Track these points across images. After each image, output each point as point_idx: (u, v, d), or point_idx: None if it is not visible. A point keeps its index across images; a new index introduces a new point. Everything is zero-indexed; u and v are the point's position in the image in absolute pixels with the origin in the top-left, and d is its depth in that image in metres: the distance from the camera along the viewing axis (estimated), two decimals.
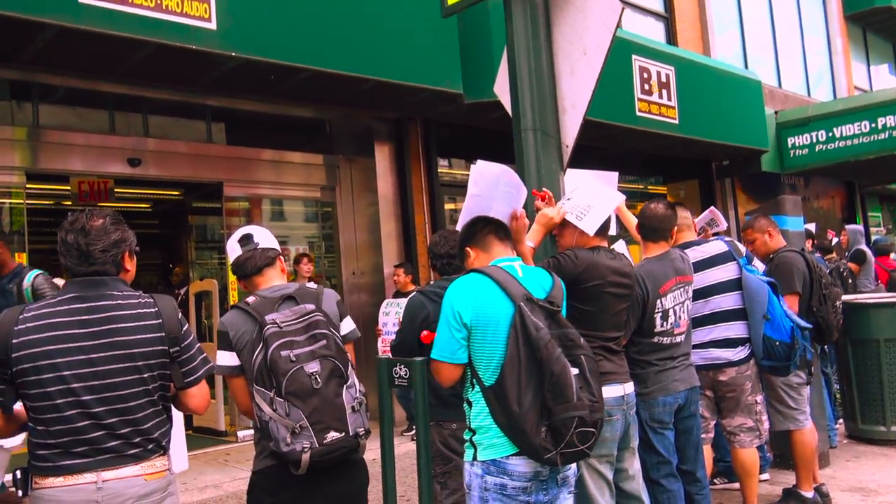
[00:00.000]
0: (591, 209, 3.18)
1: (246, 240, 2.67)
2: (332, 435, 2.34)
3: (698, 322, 3.97)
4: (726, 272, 4.06)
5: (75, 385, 2.05)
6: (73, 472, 2.05)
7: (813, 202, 12.49)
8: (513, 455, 2.38)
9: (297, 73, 5.48)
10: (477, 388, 2.45)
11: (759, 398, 4.05)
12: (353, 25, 5.61)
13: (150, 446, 2.15)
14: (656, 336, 3.52)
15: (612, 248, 3.31)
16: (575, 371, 2.36)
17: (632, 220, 4.09)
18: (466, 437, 2.51)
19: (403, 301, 4.23)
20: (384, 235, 7.27)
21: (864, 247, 8.14)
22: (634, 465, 3.24)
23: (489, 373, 2.40)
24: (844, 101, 10.91)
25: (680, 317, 3.62)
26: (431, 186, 7.47)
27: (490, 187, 3.08)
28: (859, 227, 10.01)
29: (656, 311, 3.51)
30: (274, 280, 2.63)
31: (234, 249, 2.69)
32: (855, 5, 13.70)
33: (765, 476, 4.89)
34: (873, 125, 9.81)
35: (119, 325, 2.12)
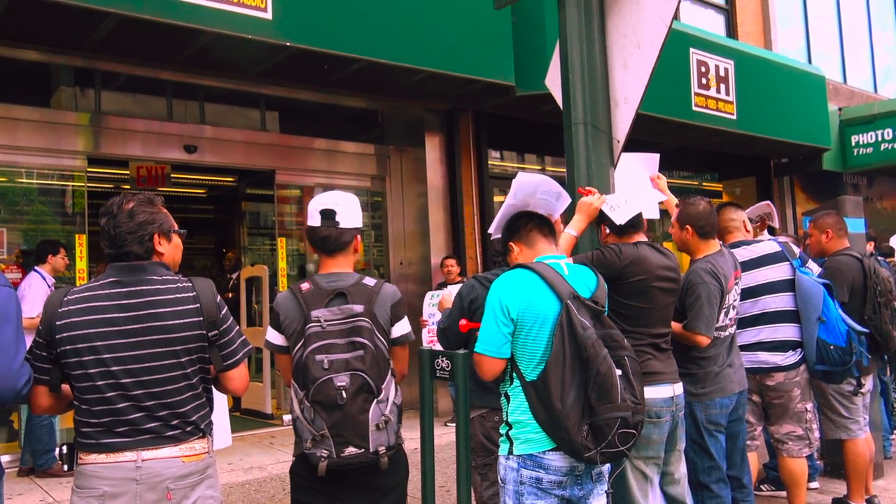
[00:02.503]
0: (626, 202, 3.16)
1: (327, 215, 2.56)
2: (351, 450, 2.34)
3: (746, 323, 3.87)
4: (777, 272, 3.94)
5: (115, 368, 2.10)
6: (114, 450, 2.10)
7: (876, 203, 12.06)
8: (550, 450, 2.37)
9: (351, 63, 5.52)
10: (516, 382, 2.44)
11: (810, 406, 3.91)
12: (406, 16, 5.62)
13: (189, 429, 2.18)
14: (717, 330, 3.46)
15: (656, 242, 3.25)
16: (619, 372, 2.34)
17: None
18: (502, 430, 2.50)
19: (447, 291, 4.21)
20: (432, 226, 7.29)
21: None
22: (680, 469, 3.18)
23: (531, 368, 2.39)
24: None
25: (733, 314, 3.57)
26: (481, 178, 7.45)
27: (527, 195, 3.04)
28: None
29: (724, 306, 3.46)
30: (340, 266, 2.55)
31: (313, 217, 2.58)
32: None
33: (814, 484, 4.75)
34: None
35: (158, 310, 2.15)
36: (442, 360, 2.78)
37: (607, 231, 3.22)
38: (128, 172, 8.08)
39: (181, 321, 2.17)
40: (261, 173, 8.08)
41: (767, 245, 4.04)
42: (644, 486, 3.00)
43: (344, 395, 2.34)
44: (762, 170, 10.24)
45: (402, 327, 2.58)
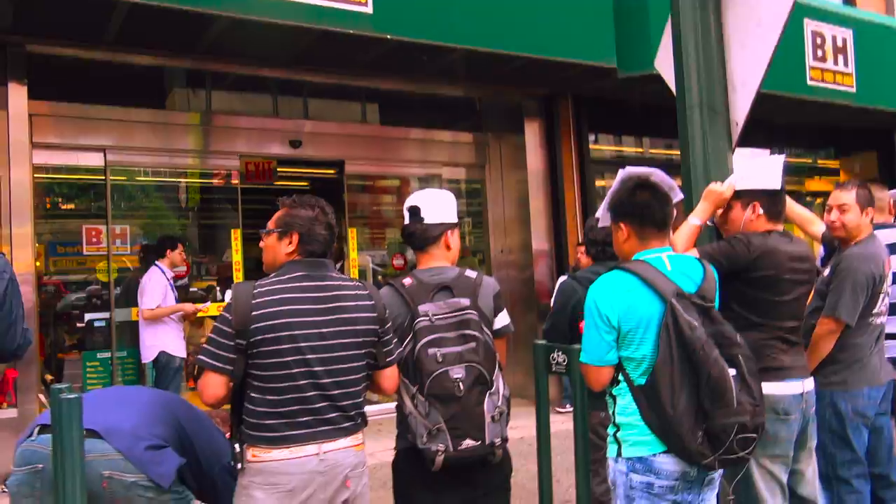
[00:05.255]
0: (756, 173, 3.00)
1: (413, 212, 2.62)
2: (469, 442, 2.35)
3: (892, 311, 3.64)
4: None
5: (310, 356, 2.19)
6: (298, 442, 2.17)
7: None
8: (661, 453, 2.26)
9: (449, 52, 5.49)
10: (623, 385, 2.34)
11: None
12: (503, 3, 5.54)
13: (360, 420, 2.31)
14: (872, 317, 3.28)
15: (787, 231, 3.08)
16: (732, 372, 2.21)
17: (805, 216, 3.69)
18: (610, 431, 2.39)
19: None
20: (533, 212, 7.21)
21: None
22: (811, 468, 3.02)
23: (639, 373, 2.28)
24: None
25: (888, 300, 3.37)
26: (582, 163, 7.30)
27: None
28: None
29: (882, 290, 3.27)
30: (437, 260, 2.58)
31: (404, 215, 2.67)
32: None
33: None
34: None
35: (345, 304, 2.27)
36: (558, 355, 2.74)
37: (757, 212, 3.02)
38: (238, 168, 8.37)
39: (362, 315, 2.29)
40: (361, 164, 8.21)
41: None
42: (772, 484, 2.86)
43: (461, 386, 2.36)
44: (885, 143, 9.60)
45: (503, 318, 2.62)
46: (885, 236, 3.62)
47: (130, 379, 6.00)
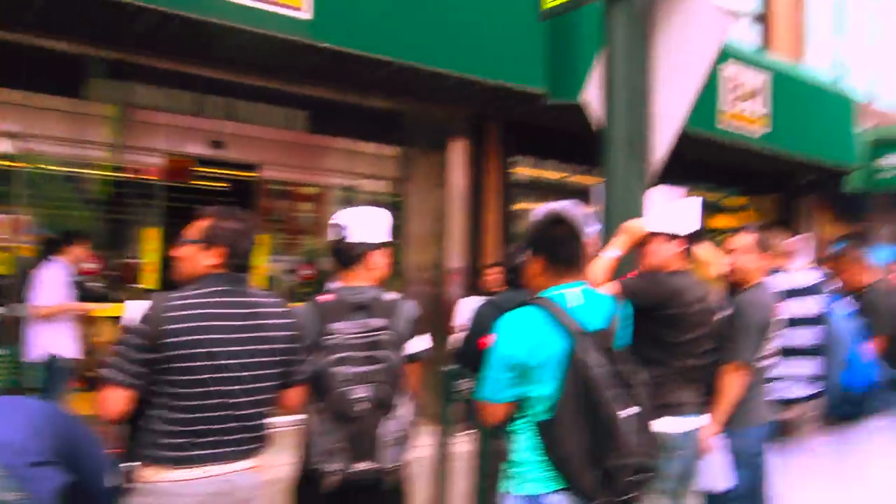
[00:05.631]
0: (675, 216, 3.13)
1: (335, 230, 2.63)
2: (364, 465, 2.36)
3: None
4: (809, 306, 3.91)
5: (227, 374, 2.12)
6: (202, 463, 2.11)
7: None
8: (554, 492, 2.25)
9: (385, 65, 5.48)
10: (523, 421, 2.34)
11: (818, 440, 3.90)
12: (441, 21, 5.58)
13: (264, 441, 2.27)
14: (759, 360, 3.43)
15: (688, 271, 3.22)
16: (631, 411, 2.24)
17: (707, 257, 3.81)
18: (504, 466, 2.39)
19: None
20: (452, 231, 7.25)
21: None
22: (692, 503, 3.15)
23: (540, 410, 2.28)
24: None
25: (773, 344, 3.55)
26: (505, 185, 7.41)
27: None
28: None
29: (768, 335, 3.44)
30: (358, 279, 2.59)
31: (328, 230, 2.69)
32: None
33: None
34: None
35: (264, 321, 2.22)
36: (464, 382, 2.77)
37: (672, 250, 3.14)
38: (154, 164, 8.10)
39: (280, 333, 2.25)
40: (283, 170, 8.09)
41: (805, 276, 4.01)
42: None
43: (362, 407, 2.34)
44: (787, 187, 10.15)
45: (420, 342, 2.62)
46: (781, 282, 3.83)
47: (13, 379, 5.68)
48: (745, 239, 3.56)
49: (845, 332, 3.88)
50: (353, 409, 2.34)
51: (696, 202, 3.29)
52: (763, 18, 10.03)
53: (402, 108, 7.49)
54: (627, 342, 2.50)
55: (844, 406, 3.89)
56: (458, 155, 7.29)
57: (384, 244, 2.66)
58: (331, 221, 2.66)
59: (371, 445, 2.37)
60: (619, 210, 3.32)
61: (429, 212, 7.58)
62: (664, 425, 2.91)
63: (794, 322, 3.84)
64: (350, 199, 8.28)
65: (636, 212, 3.26)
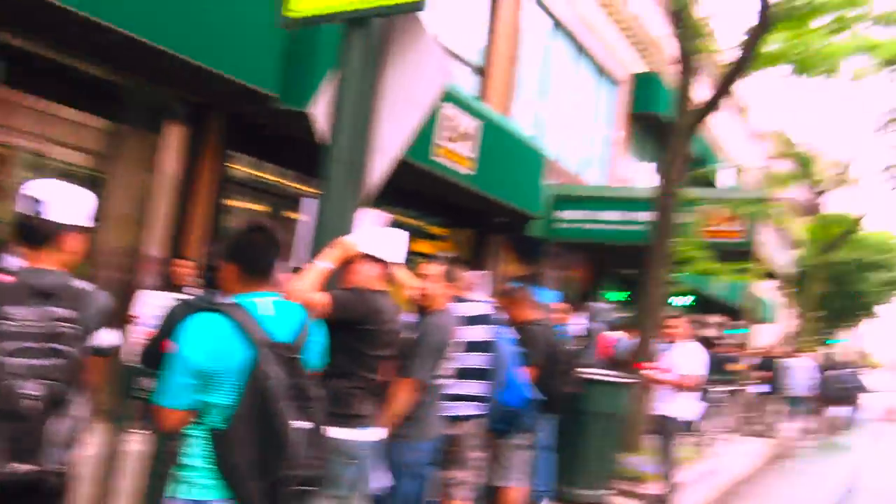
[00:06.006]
0: (384, 244, 3.33)
1: (28, 202, 2.33)
2: (25, 466, 2.16)
3: (453, 374, 4.22)
4: (483, 333, 4.36)
5: None
6: None
7: (567, 273, 13.73)
8: (219, 500, 2.25)
9: (104, 31, 5.05)
10: (199, 427, 2.31)
11: (480, 454, 4.36)
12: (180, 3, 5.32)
13: None
14: (435, 380, 3.71)
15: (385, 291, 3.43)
16: (304, 425, 2.28)
17: (403, 280, 4.02)
18: (174, 470, 2.34)
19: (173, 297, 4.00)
20: (156, 219, 6.85)
21: (594, 324, 9.08)
22: None
23: (216, 419, 2.27)
24: (610, 190, 12.21)
25: (448, 365, 3.87)
26: (220, 180, 7.19)
27: None
28: (603, 305, 11.18)
29: (445, 356, 3.72)
30: (46, 261, 2.33)
31: (19, 201, 2.37)
32: (637, 105, 15.41)
33: None
34: (630, 216, 11.07)
35: None
36: (145, 380, 2.65)
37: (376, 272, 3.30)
38: None
39: None
40: None
41: (480, 306, 4.45)
42: None
43: (31, 403, 2.15)
44: (483, 225, 11.16)
45: (107, 336, 2.45)
46: (464, 309, 4.24)
47: None
48: (436, 268, 3.89)
49: (507, 356, 4.39)
50: (19, 405, 2.12)
51: (403, 235, 3.53)
52: (482, 71, 10.99)
53: (120, 81, 6.93)
54: (322, 353, 2.60)
55: (501, 423, 4.38)
56: (173, 140, 6.93)
57: (84, 229, 2.44)
58: (22, 191, 2.36)
59: (36, 446, 2.15)
60: (331, 225, 3.43)
61: (133, 194, 7.07)
62: (345, 434, 3.05)
63: (469, 346, 4.27)
64: (38, 165, 7.41)
65: (346, 229, 3.40)
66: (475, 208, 10.51)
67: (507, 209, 10.22)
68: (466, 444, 4.23)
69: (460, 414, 4.20)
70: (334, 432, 2.98)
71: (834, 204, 23.27)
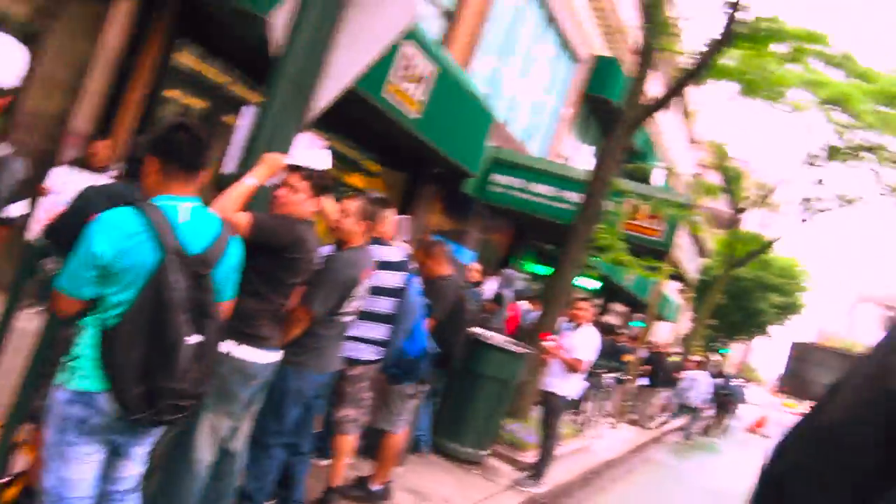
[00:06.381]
0: (306, 158, 3.30)
1: None
2: None
3: (358, 316, 4.24)
4: (393, 279, 4.39)
5: None
6: None
7: (489, 235, 13.90)
8: (104, 392, 2.26)
9: None
10: (93, 319, 2.30)
11: (370, 395, 4.45)
12: None
13: None
14: (340, 315, 3.73)
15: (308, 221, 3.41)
16: (195, 339, 2.29)
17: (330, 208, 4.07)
18: (65, 358, 2.34)
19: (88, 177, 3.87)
20: (89, 92, 6.53)
21: (506, 291, 9.27)
22: (246, 426, 3.37)
23: (112, 315, 2.25)
24: (547, 163, 12.34)
25: (357, 303, 3.90)
26: (162, 65, 6.90)
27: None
28: (518, 274, 11.39)
29: (352, 294, 3.73)
30: None
31: None
32: (592, 86, 15.53)
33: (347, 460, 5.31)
34: (561, 194, 11.26)
35: None
36: (51, 261, 2.58)
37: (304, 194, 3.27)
38: None
39: None
40: None
41: (396, 251, 4.47)
42: (211, 439, 3.11)
43: None
44: (418, 171, 11.12)
45: (17, 207, 2.36)
46: (380, 252, 4.25)
47: None
48: (357, 204, 3.87)
49: (415, 305, 4.44)
50: None
51: (327, 152, 3.48)
52: (450, 16, 10.82)
53: None
54: (237, 271, 2.58)
55: (397, 369, 4.45)
56: (121, 14, 6.58)
57: (8, 91, 2.31)
58: None
59: None
60: (267, 139, 3.36)
61: (70, 62, 6.70)
62: (247, 354, 3.07)
63: (378, 291, 4.30)
64: None
65: (283, 147, 3.34)
66: (414, 154, 10.45)
67: (446, 161, 10.21)
68: (361, 385, 4.29)
69: (360, 357, 4.25)
70: (237, 351, 3.00)
71: (751, 222, 24.24)
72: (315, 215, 3.41)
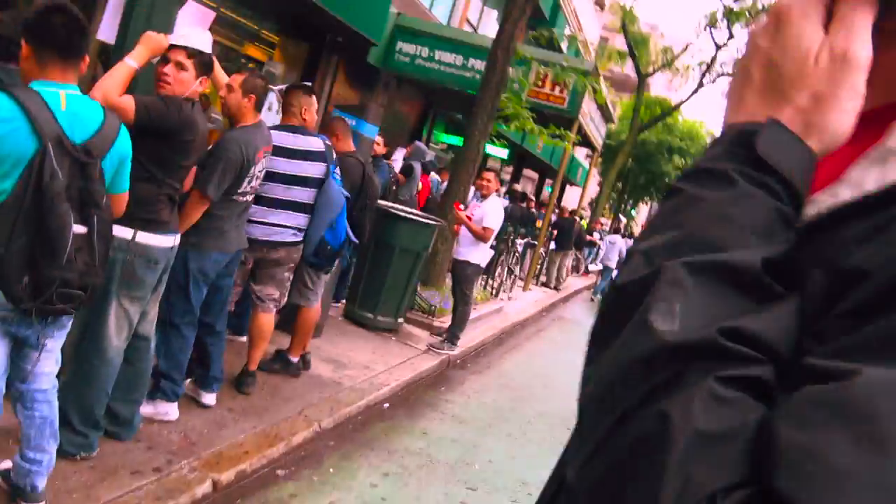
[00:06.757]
0: (189, 37, 3.16)
1: None
2: None
3: (278, 204, 4.23)
4: (316, 169, 4.37)
5: None
6: None
7: (397, 107, 13.68)
8: None
9: None
10: None
11: (288, 275, 4.53)
12: None
13: None
14: (237, 195, 3.68)
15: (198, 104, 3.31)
16: (82, 230, 2.24)
17: (222, 80, 3.95)
18: None
19: None
20: None
21: (416, 163, 9.28)
22: (154, 310, 3.38)
23: None
24: (453, 31, 12.07)
25: (255, 183, 3.85)
26: None
27: None
28: (424, 145, 11.34)
29: (248, 174, 3.67)
30: None
31: None
32: None
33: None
34: (465, 62, 11.09)
35: None
36: None
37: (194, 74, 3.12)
38: None
39: None
40: None
41: (316, 141, 4.40)
42: (122, 322, 3.13)
43: None
44: (318, 41, 10.68)
45: None
46: (302, 142, 4.20)
47: None
48: (244, 78, 3.73)
49: (337, 197, 4.46)
50: None
51: (208, 37, 3.32)
52: None
53: None
54: (127, 160, 2.51)
55: (318, 258, 4.52)
56: None
57: None
58: None
59: None
60: (145, 20, 3.19)
61: None
62: (149, 239, 3.03)
63: (299, 181, 4.27)
64: None
65: (165, 26, 3.17)
66: (313, 21, 10.01)
67: (347, 29, 9.82)
68: (281, 267, 4.36)
69: (284, 240, 4.29)
70: (139, 236, 2.96)
71: (656, 87, 24.68)
72: (201, 92, 3.28)
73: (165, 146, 3.00)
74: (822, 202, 0.56)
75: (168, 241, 3.14)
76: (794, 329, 0.50)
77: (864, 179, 0.55)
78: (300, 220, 4.36)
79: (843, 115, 0.55)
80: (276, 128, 4.25)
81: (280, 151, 4.13)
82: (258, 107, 3.76)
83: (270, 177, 4.11)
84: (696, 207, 0.52)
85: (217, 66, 4.03)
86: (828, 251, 0.53)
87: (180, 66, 3.12)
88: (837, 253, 0.52)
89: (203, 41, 3.16)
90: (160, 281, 3.24)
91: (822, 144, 0.55)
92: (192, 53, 3.13)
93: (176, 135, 3.01)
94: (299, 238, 4.39)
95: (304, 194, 4.33)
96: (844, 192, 0.55)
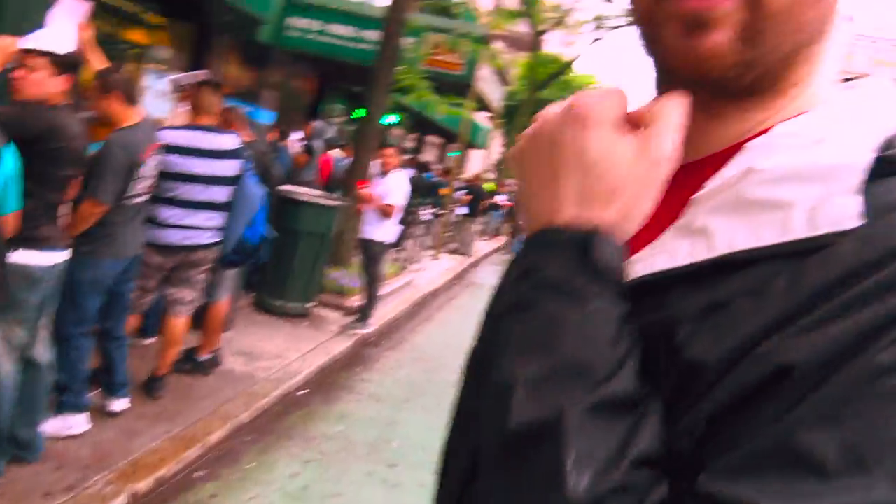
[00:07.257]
0: (39, 38, 3.06)
1: None
2: None
3: (193, 205, 4.17)
4: (230, 168, 4.33)
5: None
6: None
7: (293, 84, 13.41)
8: None
9: None
10: None
11: (204, 276, 4.50)
12: None
13: None
14: (126, 199, 3.61)
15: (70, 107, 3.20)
16: None
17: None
18: None
19: None
20: None
21: (316, 142, 9.19)
22: (44, 332, 3.29)
23: None
24: (345, 3, 11.86)
25: (149, 182, 3.79)
26: None
27: None
28: (325, 124, 11.19)
29: (136, 177, 3.59)
30: None
31: None
32: None
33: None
34: (361, 34, 10.96)
35: None
36: None
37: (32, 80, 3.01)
38: None
39: None
40: None
41: (230, 139, 4.35)
42: (9, 348, 3.04)
43: None
44: (206, 21, 10.33)
45: None
46: (214, 140, 4.16)
47: None
48: (109, 81, 3.59)
49: (254, 194, 4.44)
50: None
51: (74, 33, 3.21)
52: None
53: None
54: (14, 180, 2.42)
55: (236, 256, 4.50)
56: None
57: None
58: None
59: None
60: (16, 16, 3.05)
61: None
62: (28, 258, 2.94)
63: (215, 180, 4.22)
64: None
65: (35, 21, 3.04)
66: (199, 1, 9.66)
67: (233, 7, 9.54)
68: (197, 269, 4.31)
69: (200, 242, 4.23)
70: (17, 256, 2.87)
71: (551, 44, 25.01)
72: (68, 97, 3.16)
73: (34, 156, 2.88)
74: (637, 271, 0.61)
75: (51, 258, 3.05)
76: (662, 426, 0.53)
77: (677, 251, 0.60)
78: (218, 220, 4.34)
79: (649, 204, 0.61)
80: (188, 128, 4.20)
81: (194, 152, 4.09)
82: (130, 100, 3.65)
83: (187, 178, 4.08)
84: (562, 328, 0.55)
85: (96, 61, 3.90)
86: (656, 315, 0.57)
87: (31, 68, 3.00)
88: (669, 323, 0.56)
89: (60, 40, 3.04)
90: (47, 300, 3.14)
91: (630, 233, 0.61)
92: (44, 53, 3.01)
93: (41, 143, 2.90)
94: (218, 238, 4.36)
95: (221, 193, 4.30)
96: (660, 260, 0.60)
